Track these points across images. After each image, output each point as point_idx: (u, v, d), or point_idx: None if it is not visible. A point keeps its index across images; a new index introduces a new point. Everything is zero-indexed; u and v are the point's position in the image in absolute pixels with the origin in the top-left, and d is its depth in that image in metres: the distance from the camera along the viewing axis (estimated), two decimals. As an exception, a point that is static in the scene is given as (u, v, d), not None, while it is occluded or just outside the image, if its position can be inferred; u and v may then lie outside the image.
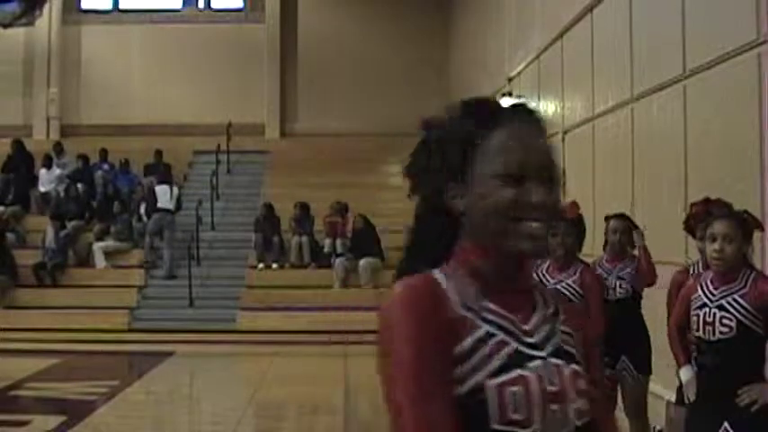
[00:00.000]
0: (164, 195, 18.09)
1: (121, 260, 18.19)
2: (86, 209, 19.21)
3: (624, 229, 6.68)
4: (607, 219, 6.83)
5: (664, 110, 8.44)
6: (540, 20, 12.92)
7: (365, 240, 17.40)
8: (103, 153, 20.40)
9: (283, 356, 14.48)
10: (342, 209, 18.01)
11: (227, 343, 15.46)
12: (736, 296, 4.43)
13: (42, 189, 19.79)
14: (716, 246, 4.41)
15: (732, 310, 4.43)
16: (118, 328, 16.27)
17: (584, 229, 6.25)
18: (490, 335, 1.69)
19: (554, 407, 1.72)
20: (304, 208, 18.12)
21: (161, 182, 18.45)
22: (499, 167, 1.69)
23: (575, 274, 5.44)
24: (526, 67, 13.80)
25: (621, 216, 6.83)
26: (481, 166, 1.70)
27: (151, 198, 18.24)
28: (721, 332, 4.41)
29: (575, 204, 5.47)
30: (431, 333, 1.64)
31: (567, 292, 5.31)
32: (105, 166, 20.22)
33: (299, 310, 16.67)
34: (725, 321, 4.41)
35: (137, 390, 12.02)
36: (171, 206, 18.08)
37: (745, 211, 4.72)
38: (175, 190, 18.29)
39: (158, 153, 20.51)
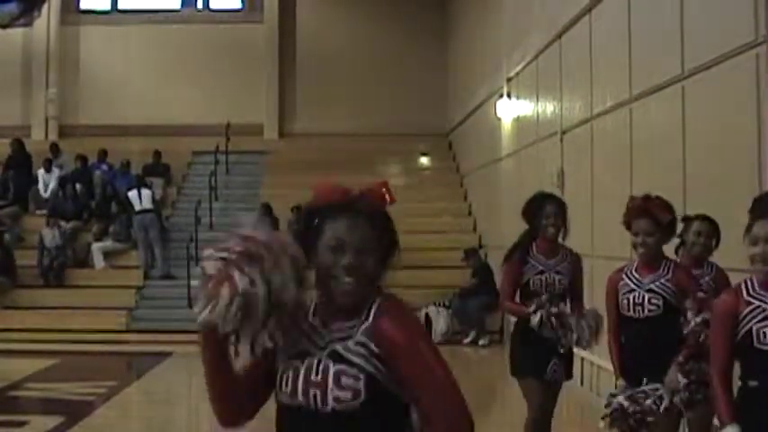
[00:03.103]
0: (136, 199, 18.11)
1: (120, 260, 18.19)
2: (85, 209, 19.22)
3: (709, 234, 5.92)
4: (689, 219, 6.04)
5: (662, 110, 8.44)
6: (538, 20, 12.92)
7: (364, 240, 17.36)
8: (102, 154, 20.40)
9: (282, 357, 14.45)
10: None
11: (225, 343, 15.44)
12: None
13: (41, 189, 19.79)
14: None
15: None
16: (116, 329, 16.28)
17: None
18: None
19: (314, 391, 2.51)
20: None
21: (131, 188, 18.49)
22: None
23: None
24: (524, 67, 13.80)
25: (707, 218, 5.98)
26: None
27: (128, 204, 18.30)
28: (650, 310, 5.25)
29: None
30: None
31: None
32: (104, 167, 20.22)
33: (298, 311, 16.65)
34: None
35: (135, 390, 12.02)
36: (149, 206, 18.08)
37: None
38: (146, 191, 18.26)
39: (157, 153, 20.53)
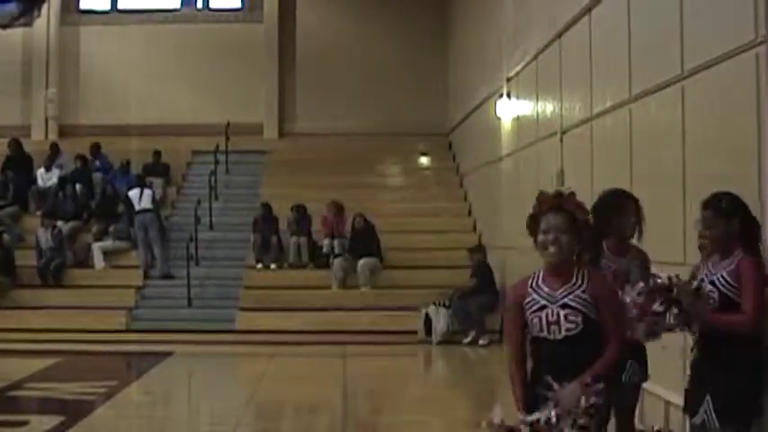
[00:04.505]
0: (136, 198, 18.12)
1: (120, 260, 18.20)
2: (85, 209, 19.22)
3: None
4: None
5: (662, 110, 8.44)
6: (538, 20, 12.92)
7: (364, 240, 17.39)
8: (95, 148, 20.41)
9: (282, 357, 14.49)
10: (338, 208, 18.01)
11: (225, 343, 15.47)
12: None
13: (40, 184, 19.83)
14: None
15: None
16: (117, 329, 16.28)
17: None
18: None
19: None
20: (300, 210, 18.11)
21: (132, 186, 18.51)
22: None
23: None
24: (524, 67, 13.80)
25: None
26: None
27: (128, 203, 18.31)
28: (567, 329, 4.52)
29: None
30: None
31: None
32: (97, 163, 20.24)
33: (298, 311, 16.68)
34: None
35: (135, 390, 12.02)
36: (148, 206, 18.07)
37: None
38: (147, 191, 18.26)
39: (157, 153, 20.53)
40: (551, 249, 4.49)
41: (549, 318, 4.51)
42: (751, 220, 5.48)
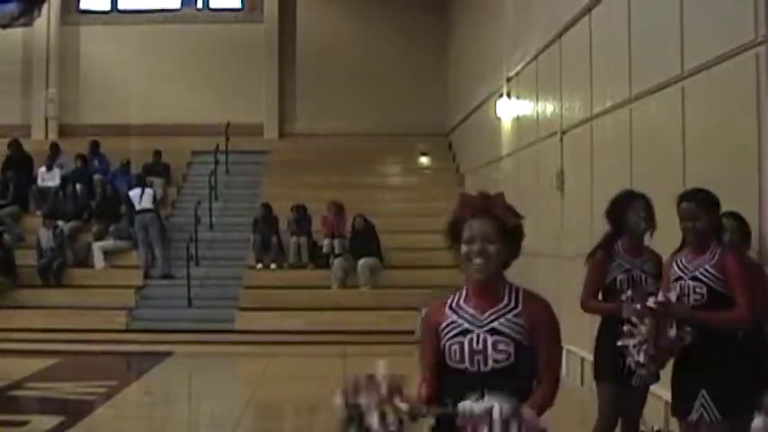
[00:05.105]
0: (137, 198, 18.12)
1: (121, 260, 18.20)
2: (85, 209, 19.22)
3: (733, 228, 5.90)
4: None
5: (662, 110, 8.45)
6: (538, 20, 12.93)
7: (364, 240, 17.40)
8: (94, 145, 20.40)
9: (282, 357, 14.49)
10: (338, 208, 18.01)
11: (225, 343, 15.47)
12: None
13: (40, 183, 19.83)
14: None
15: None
16: (117, 329, 16.28)
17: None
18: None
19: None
20: (300, 210, 18.11)
21: (132, 186, 18.53)
22: None
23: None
24: (524, 67, 13.81)
25: (733, 214, 5.94)
26: None
27: (128, 203, 18.32)
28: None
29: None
30: None
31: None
32: (96, 162, 20.24)
33: (298, 311, 16.67)
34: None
35: (135, 390, 12.03)
36: (149, 205, 18.06)
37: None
38: (148, 191, 18.26)
39: (157, 153, 20.53)
40: (476, 262, 3.61)
41: (474, 345, 3.59)
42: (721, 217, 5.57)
